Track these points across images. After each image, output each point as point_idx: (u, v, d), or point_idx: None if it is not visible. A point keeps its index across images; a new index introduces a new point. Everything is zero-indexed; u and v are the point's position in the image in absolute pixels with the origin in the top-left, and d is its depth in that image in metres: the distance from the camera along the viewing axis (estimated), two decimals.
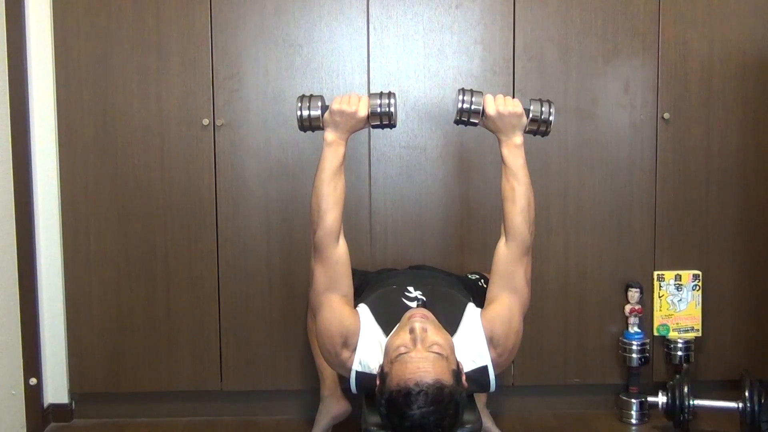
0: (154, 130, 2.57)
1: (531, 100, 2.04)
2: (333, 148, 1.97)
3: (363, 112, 1.96)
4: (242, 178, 2.59)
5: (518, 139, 2.00)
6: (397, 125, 2.57)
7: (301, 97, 2.02)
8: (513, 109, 1.98)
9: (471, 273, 2.46)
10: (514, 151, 2.00)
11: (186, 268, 2.60)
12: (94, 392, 2.66)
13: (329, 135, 1.98)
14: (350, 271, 2.00)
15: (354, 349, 1.90)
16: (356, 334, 1.90)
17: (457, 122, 2.04)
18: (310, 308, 2.23)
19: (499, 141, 2.02)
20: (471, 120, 2.01)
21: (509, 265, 1.99)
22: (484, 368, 1.90)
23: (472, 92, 2.01)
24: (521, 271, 1.99)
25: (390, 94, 1.99)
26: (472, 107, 1.99)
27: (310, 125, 2.01)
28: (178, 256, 2.60)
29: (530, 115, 2.01)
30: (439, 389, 1.63)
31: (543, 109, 2.02)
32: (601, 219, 2.66)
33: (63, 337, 2.63)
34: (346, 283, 1.99)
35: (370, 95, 2.00)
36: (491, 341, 1.91)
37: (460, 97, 2.00)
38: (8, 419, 2.40)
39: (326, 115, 1.98)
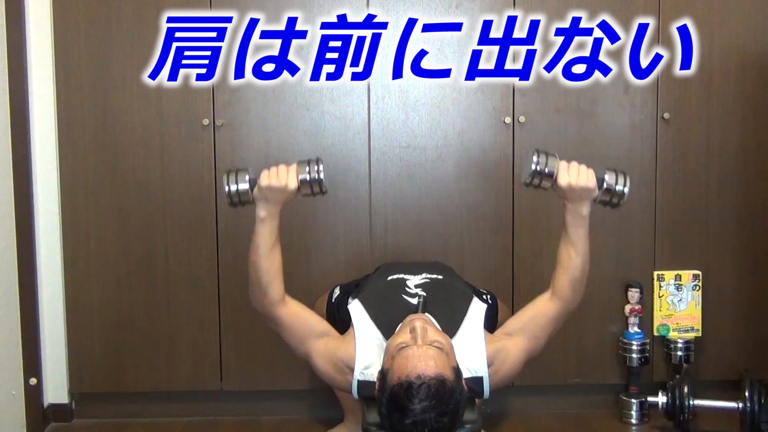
0: (154, 130, 2.56)
1: (606, 169, 1.97)
2: (266, 223, 1.92)
3: (293, 184, 1.89)
4: None
5: (585, 210, 1.95)
6: (396, 127, 2.59)
7: (228, 173, 1.94)
8: (585, 184, 1.91)
9: (482, 289, 2.38)
10: (578, 220, 1.96)
11: (186, 268, 2.60)
12: (94, 392, 2.66)
13: (261, 211, 1.92)
14: (310, 311, 2.02)
15: (353, 369, 1.91)
16: (352, 359, 1.91)
17: (527, 185, 1.96)
18: None
19: (565, 206, 1.98)
20: (542, 184, 1.93)
21: (543, 318, 2.00)
22: (480, 379, 1.90)
23: (547, 155, 1.91)
24: (551, 328, 2.01)
25: (317, 160, 1.92)
26: (546, 170, 1.90)
27: (239, 200, 1.93)
28: (178, 256, 2.60)
29: (604, 186, 1.94)
30: (441, 383, 1.64)
31: (618, 180, 1.94)
32: (601, 219, 2.65)
33: (63, 337, 2.63)
34: (314, 323, 1.99)
35: (298, 163, 1.93)
36: (490, 367, 1.92)
37: (535, 159, 1.91)
38: (8, 419, 2.40)
39: (255, 191, 1.92)
